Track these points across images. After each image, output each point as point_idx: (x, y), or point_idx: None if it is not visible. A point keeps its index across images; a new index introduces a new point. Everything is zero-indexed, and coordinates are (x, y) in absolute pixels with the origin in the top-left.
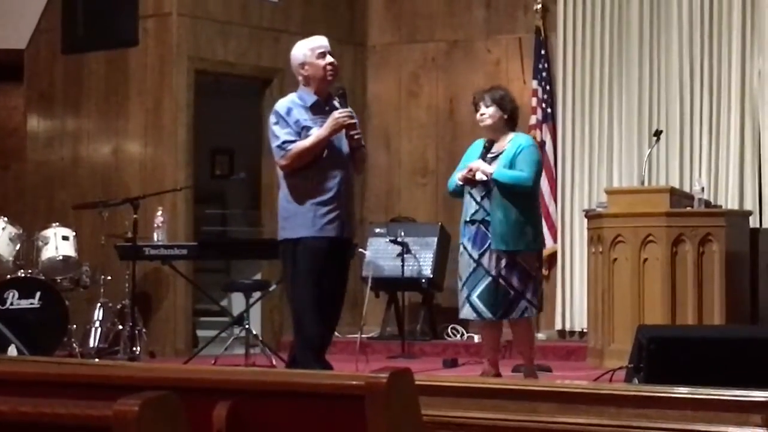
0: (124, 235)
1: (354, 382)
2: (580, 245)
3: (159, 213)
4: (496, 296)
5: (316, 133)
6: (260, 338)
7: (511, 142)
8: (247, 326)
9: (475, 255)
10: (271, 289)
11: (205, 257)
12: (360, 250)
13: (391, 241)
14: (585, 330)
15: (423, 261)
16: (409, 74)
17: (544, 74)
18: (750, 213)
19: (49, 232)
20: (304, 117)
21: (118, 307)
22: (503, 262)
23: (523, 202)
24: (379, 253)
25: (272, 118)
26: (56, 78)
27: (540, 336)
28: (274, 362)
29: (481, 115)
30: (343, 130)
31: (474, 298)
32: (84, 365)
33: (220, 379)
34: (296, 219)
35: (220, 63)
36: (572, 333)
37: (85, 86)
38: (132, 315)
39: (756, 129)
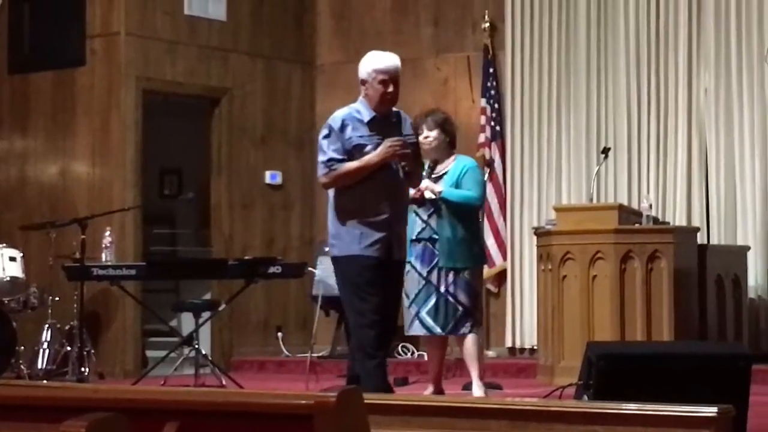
0: (72, 255)
1: (303, 402)
2: (530, 263)
3: (107, 233)
4: (444, 312)
5: (367, 157)
6: (210, 358)
7: (455, 163)
8: (196, 346)
9: (424, 272)
10: (220, 308)
11: (153, 277)
12: (309, 269)
13: None
14: (535, 347)
15: None
16: (358, 93)
17: (492, 92)
18: (697, 229)
19: None
20: (359, 134)
21: (67, 328)
22: (450, 279)
23: (467, 221)
24: (329, 272)
25: (324, 130)
26: (2, 98)
27: (490, 353)
28: (223, 382)
29: (425, 138)
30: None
31: (423, 314)
32: (32, 387)
33: (168, 400)
34: (344, 237)
35: (169, 82)
36: (522, 350)
37: (32, 106)
38: (80, 336)
39: (703, 146)
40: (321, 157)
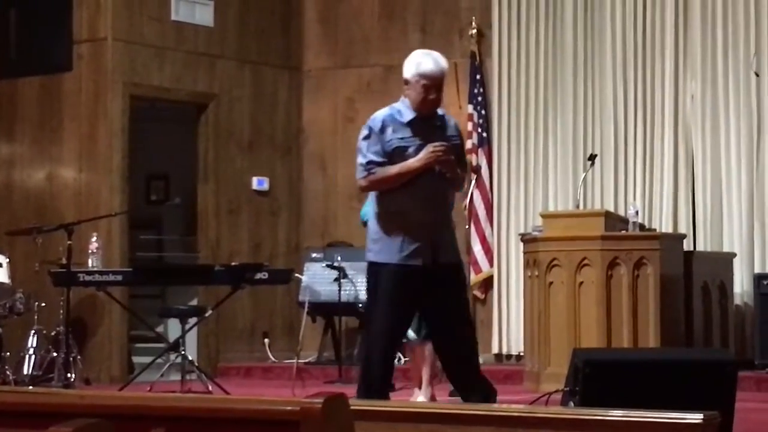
0: (58, 261)
1: (289, 408)
2: (516, 269)
3: (94, 239)
4: (417, 317)
5: (408, 162)
6: (196, 364)
7: None
8: (183, 352)
9: None
10: (207, 314)
11: (140, 283)
12: (296, 275)
13: (328, 266)
14: (522, 353)
15: (360, 286)
16: (345, 99)
17: (479, 99)
18: (684, 236)
19: None
20: (399, 135)
21: (53, 333)
22: None
23: None
24: (316, 278)
25: (363, 131)
26: None
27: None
28: (210, 388)
29: None
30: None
31: None
32: (17, 393)
33: (154, 406)
34: (383, 243)
35: (156, 88)
36: (509, 356)
37: (19, 112)
38: (66, 342)
39: (689, 152)
40: (360, 160)
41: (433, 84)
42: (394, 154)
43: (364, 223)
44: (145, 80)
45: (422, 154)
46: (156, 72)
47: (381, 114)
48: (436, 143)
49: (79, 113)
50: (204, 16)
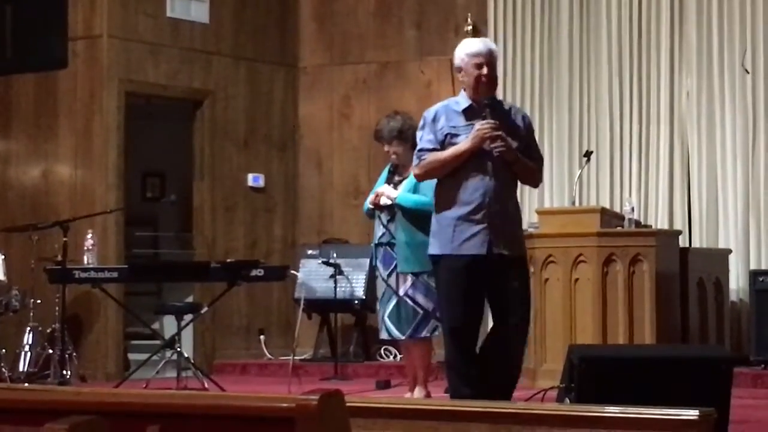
0: (53, 258)
1: (285, 405)
2: None
3: (89, 236)
4: (405, 316)
5: (457, 146)
6: (192, 361)
7: None
8: (178, 349)
9: (384, 276)
10: (202, 311)
11: (136, 280)
12: (292, 272)
13: (324, 262)
14: None
15: (355, 282)
16: (341, 96)
17: None
18: (679, 232)
19: None
20: (453, 123)
21: (48, 330)
22: (408, 283)
23: (427, 225)
24: (312, 275)
25: (420, 122)
26: None
27: None
28: (206, 385)
29: (388, 153)
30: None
31: (385, 318)
32: (13, 390)
33: (150, 403)
34: (439, 234)
35: (151, 85)
36: None
37: (14, 108)
38: (62, 339)
39: (685, 149)
40: (416, 148)
41: (484, 60)
42: (446, 142)
43: (368, 216)
44: (140, 77)
45: (470, 135)
46: (151, 69)
47: (437, 105)
48: (484, 122)
49: (75, 110)
50: (200, 12)
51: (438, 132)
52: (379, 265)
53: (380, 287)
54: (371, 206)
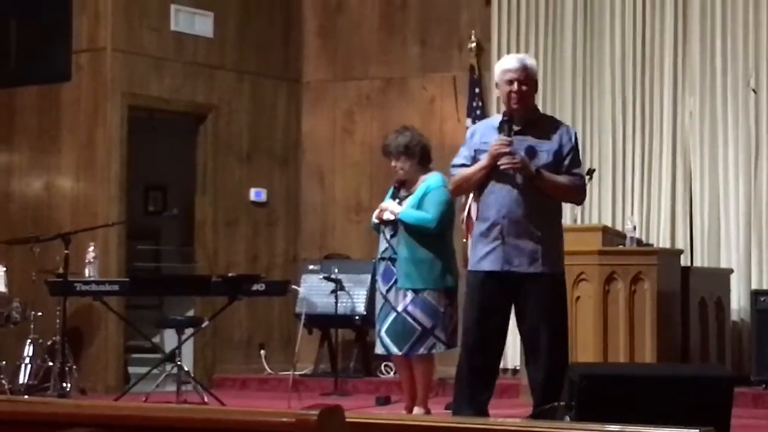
0: (55, 270)
1: (284, 420)
2: None
3: (91, 248)
4: (402, 332)
5: (479, 162)
6: (192, 375)
7: (423, 183)
8: (179, 363)
9: (384, 291)
10: (203, 325)
11: (137, 293)
12: (293, 287)
13: (325, 278)
14: (518, 367)
15: (356, 298)
16: (344, 111)
17: (478, 112)
18: (681, 252)
19: None
20: (485, 139)
21: (49, 343)
22: (408, 299)
23: (430, 241)
24: (313, 290)
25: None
26: None
27: None
28: (206, 399)
29: (394, 168)
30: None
31: (382, 333)
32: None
33: (148, 416)
34: (471, 251)
35: (154, 99)
36: (505, 370)
37: (17, 121)
38: (62, 351)
39: (687, 168)
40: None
41: (515, 76)
42: (475, 158)
43: (375, 230)
44: (144, 91)
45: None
46: (155, 82)
47: (482, 121)
48: (496, 139)
49: (78, 123)
50: (204, 27)
51: (471, 148)
52: (380, 279)
53: (378, 302)
54: (376, 220)
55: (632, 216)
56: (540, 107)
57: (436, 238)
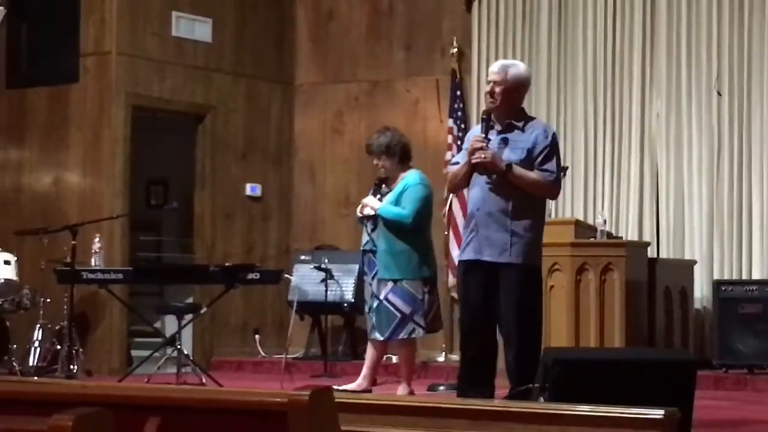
0: (63, 260)
1: (278, 400)
2: None
3: (96, 239)
4: (383, 318)
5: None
6: (191, 358)
7: (402, 181)
8: (179, 347)
9: (368, 280)
10: (201, 311)
11: (139, 281)
12: (286, 275)
13: (316, 267)
14: None
15: (345, 286)
16: (334, 112)
17: (459, 113)
18: (648, 244)
19: None
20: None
21: (57, 328)
22: (388, 288)
23: (407, 235)
24: (305, 279)
25: None
26: (0, 112)
27: (455, 357)
28: (204, 381)
29: (376, 166)
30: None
31: (372, 320)
32: (23, 383)
33: (151, 396)
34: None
35: (156, 99)
36: None
37: (28, 120)
38: (70, 335)
39: (654, 166)
40: None
41: (491, 78)
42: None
43: (360, 223)
44: (146, 92)
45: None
46: (157, 84)
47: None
48: (476, 135)
49: (85, 122)
50: (203, 32)
51: (465, 148)
52: (366, 270)
53: (368, 291)
54: (360, 215)
55: (602, 210)
56: None
57: (413, 231)
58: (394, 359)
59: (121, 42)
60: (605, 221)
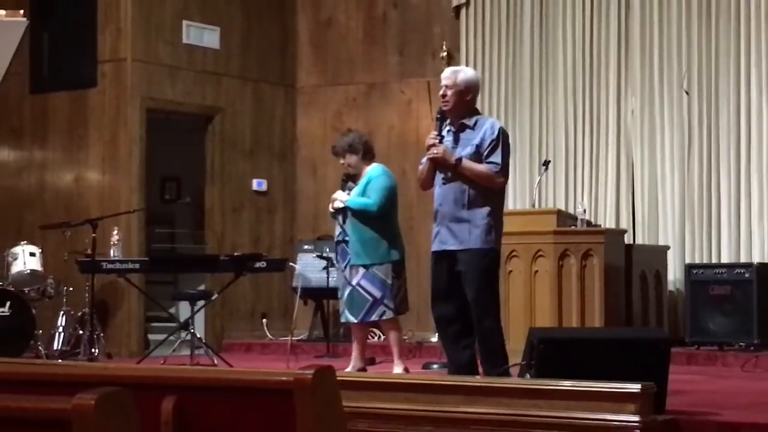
0: (84, 251)
1: (284, 378)
2: None
3: (115, 232)
4: (356, 303)
5: None
6: (203, 341)
7: (366, 174)
8: (192, 331)
9: (342, 268)
10: (213, 298)
11: (155, 271)
12: (290, 264)
13: (318, 256)
14: None
15: None
16: (333, 112)
17: None
18: (625, 231)
19: (18, 249)
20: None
21: (79, 314)
22: (360, 274)
23: (374, 223)
24: (308, 267)
25: None
26: (24, 114)
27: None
28: (215, 362)
29: (343, 165)
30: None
31: (343, 305)
32: (48, 365)
33: (166, 377)
34: None
35: (169, 102)
36: None
37: (51, 122)
38: (91, 321)
39: (630, 159)
40: None
41: (442, 82)
42: None
43: (333, 217)
44: (160, 95)
45: None
46: (169, 88)
47: None
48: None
49: (103, 124)
50: (211, 39)
51: None
52: (339, 259)
53: (339, 278)
54: (332, 210)
55: (582, 201)
56: (502, 107)
57: (379, 219)
58: (376, 340)
59: (136, 49)
60: (585, 210)
